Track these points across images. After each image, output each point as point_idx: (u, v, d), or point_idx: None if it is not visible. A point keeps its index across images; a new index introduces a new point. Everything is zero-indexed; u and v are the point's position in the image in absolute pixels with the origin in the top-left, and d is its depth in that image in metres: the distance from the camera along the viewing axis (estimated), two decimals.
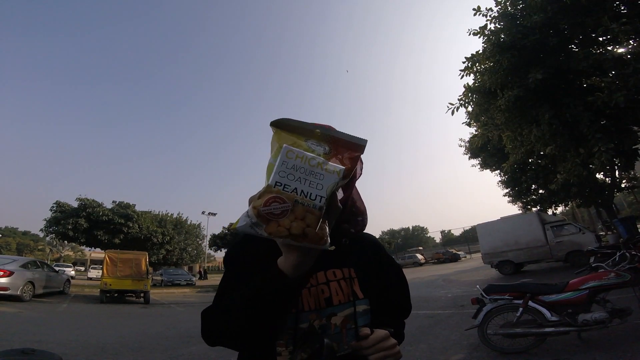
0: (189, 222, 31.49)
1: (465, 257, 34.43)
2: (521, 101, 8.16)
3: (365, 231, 0.86)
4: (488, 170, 20.67)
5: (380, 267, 0.84)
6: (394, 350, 0.66)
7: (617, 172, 13.06)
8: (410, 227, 75.02)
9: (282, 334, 0.69)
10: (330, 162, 0.58)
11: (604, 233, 21.98)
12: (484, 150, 17.67)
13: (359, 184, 0.83)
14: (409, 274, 22.46)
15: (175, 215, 29.51)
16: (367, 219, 0.83)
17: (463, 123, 13.88)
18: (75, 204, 19.68)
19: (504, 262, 12.60)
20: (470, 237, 44.39)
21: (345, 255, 0.77)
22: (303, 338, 0.72)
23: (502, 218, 14.17)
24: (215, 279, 27.45)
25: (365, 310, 0.74)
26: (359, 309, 0.73)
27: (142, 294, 11.91)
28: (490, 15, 8.80)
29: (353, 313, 0.72)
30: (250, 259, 0.76)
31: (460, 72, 9.36)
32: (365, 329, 0.68)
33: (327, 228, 0.55)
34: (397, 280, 0.88)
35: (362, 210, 0.82)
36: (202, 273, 33.19)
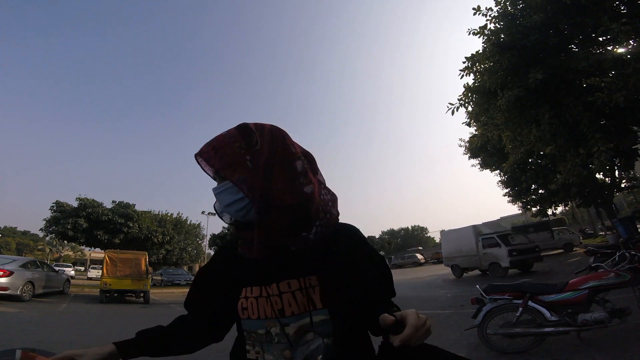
0: (188, 222, 31.48)
1: None
2: (521, 101, 8.16)
3: (359, 227, 0.84)
4: (488, 170, 20.70)
5: (360, 262, 0.78)
6: (427, 326, 0.62)
7: (616, 172, 13.08)
8: (410, 227, 75.02)
9: (248, 335, 0.76)
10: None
11: (603, 233, 22.06)
12: (483, 150, 17.69)
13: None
14: (409, 273, 22.43)
15: (175, 215, 29.49)
16: (326, 225, 0.75)
17: (463, 123, 13.91)
18: (75, 204, 19.63)
19: (455, 266, 14.44)
20: None
21: (308, 262, 0.74)
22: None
23: (452, 229, 15.97)
24: None
25: (323, 320, 0.71)
26: (315, 320, 0.71)
27: (142, 294, 11.90)
28: (490, 15, 8.80)
29: (308, 324, 0.71)
30: (205, 280, 0.87)
31: (460, 72, 9.36)
32: (387, 316, 0.61)
33: None
34: (380, 270, 0.81)
35: (315, 215, 0.74)
36: None
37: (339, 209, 0.82)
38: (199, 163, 0.78)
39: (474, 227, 14.00)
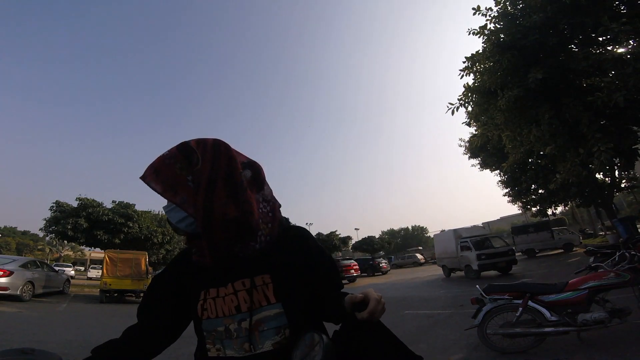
0: None
1: None
2: (521, 101, 8.16)
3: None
4: (488, 170, 20.71)
5: (309, 259, 0.87)
6: (383, 302, 0.73)
7: (616, 172, 13.08)
8: (410, 227, 74.94)
9: (208, 334, 0.80)
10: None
11: (603, 233, 22.05)
12: (483, 150, 17.71)
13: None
14: (409, 273, 22.42)
15: None
16: (270, 234, 0.83)
17: (463, 123, 13.92)
18: (75, 204, 19.57)
19: (444, 266, 15.64)
20: None
21: (261, 262, 0.82)
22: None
23: (441, 233, 17.62)
24: None
25: (277, 313, 0.78)
26: (269, 313, 0.78)
27: (141, 294, 11.85)
28: (490, 15, 8.80)
29: (264, 317, 0.78)
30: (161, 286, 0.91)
31: (460, 72, 9.36)
32: (354, 295, 0.74)
33: None
34: (328, 266, 0.91)
35: (257, 227, 0.80)
36: None
37: (290, 215, 0.94)
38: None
39: (455, 231, 15.24)
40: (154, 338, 0.87)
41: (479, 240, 13.40)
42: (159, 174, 0.76)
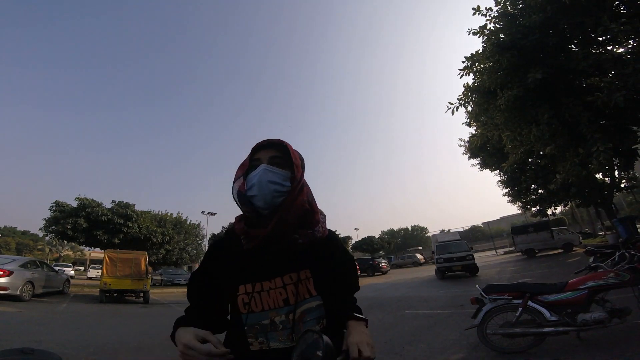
0: (188, 222, 31.39)
1: None
2: (521, 101, 8.16)
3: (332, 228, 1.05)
4: (488, 170, 20.71)
5: (335, 258, 1.00)
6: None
7: (616, 172, 13.08)
8: (410, 227, 74.87)
9: (250, 329, 0.86)
10: None
11: (603, 233, 22.04)
12: (483, 150, 17.69)
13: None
14: (409, 273, 22.41)
15: (174, 215, 29.45)
16: (320, 230, 0.95)
17: (463, 123, 13.91)
18: (74, 204, 19.58)
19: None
20: (469, 237, 44.38)
21: (302, 258, 0.92)
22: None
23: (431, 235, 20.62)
24: None
25: (318, 305, 0.89)
26: (312, 305, 0.88)
27: (141, 294, 11.89)
28: (490, 15, 8.79)
29: (307, 309, 0.88)
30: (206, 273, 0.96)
31: (460, 71, 9.35)
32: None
33: None
34: (349, 267, 1.05)
35: (317, 219, 0.95)
36: None
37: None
38: (266, 144, 0.95)
39: (433, 235, 17.65)
40: (211, 320, 0.93)
41: (442, 246, 15.10)
42: (293, 153, 0.94)
